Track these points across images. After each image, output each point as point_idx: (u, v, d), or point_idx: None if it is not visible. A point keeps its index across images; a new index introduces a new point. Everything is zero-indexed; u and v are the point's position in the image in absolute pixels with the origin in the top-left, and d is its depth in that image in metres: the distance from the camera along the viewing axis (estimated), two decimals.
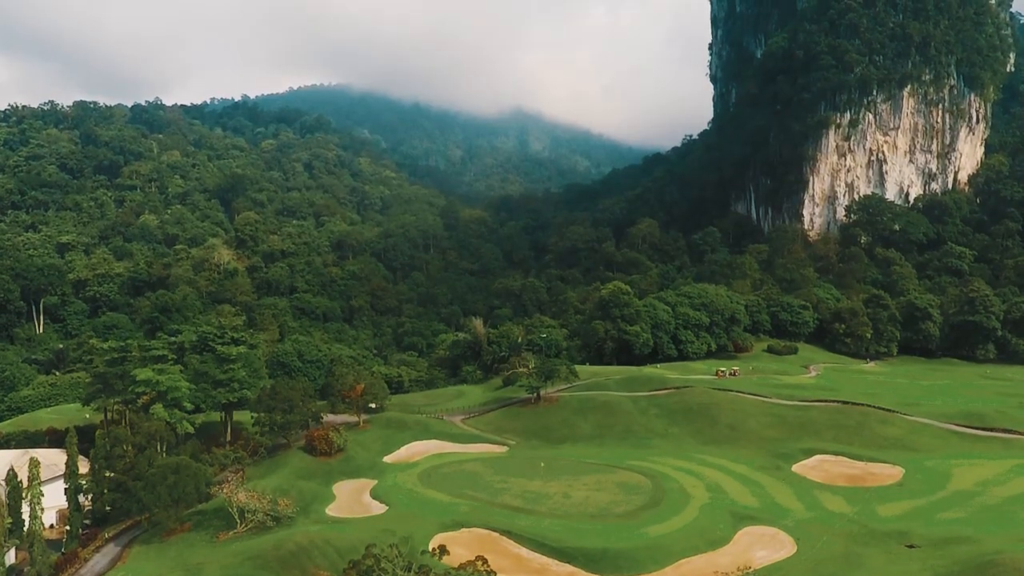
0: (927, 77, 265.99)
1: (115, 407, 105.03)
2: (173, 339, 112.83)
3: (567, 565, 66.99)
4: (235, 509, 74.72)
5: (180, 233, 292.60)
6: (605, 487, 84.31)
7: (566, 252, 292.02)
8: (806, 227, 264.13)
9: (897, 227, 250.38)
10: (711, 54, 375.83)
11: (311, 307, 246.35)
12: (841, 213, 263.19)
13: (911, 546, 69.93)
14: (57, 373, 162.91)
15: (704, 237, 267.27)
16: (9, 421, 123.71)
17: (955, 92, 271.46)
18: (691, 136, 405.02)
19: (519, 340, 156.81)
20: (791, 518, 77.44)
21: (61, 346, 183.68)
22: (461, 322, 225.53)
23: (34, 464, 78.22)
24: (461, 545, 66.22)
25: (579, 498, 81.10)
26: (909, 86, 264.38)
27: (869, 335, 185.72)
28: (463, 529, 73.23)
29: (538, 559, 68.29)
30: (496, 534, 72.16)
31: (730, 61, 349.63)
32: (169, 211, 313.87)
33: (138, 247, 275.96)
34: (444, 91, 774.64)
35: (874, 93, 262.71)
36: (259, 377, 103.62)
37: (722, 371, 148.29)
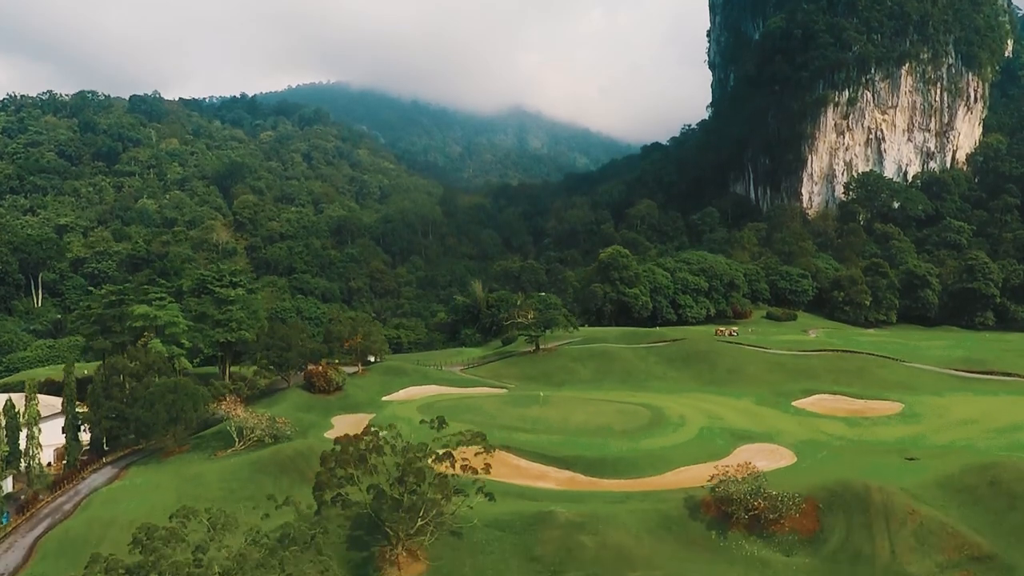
0: (925, 55, 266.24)
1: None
2: (171, 285, 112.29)
3: (566, 471, 66.86)
4: (234, 427, 74.43)
5: (178, 216, 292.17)
6: (604, 413, 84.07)
7: (565, 235, 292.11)
8: (805, 205, 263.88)
9: (896, 204, 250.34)
10: (709, 41, 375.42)
11: (310, 287, 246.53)
12: (840, 191, 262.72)
13: (911, 459, 69.79)
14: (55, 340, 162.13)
15: (703, 217, 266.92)
16: (6, 378, 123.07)
17: (953, 71, 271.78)
18: (690, 126, 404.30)
19: (518, 303, 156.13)
20: (791, 438, 77.29)
21: (59, 316, 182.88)
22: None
23: (31, 387, 77.60)
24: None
25: (578, 421, 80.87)
26: (907, 64, 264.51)
27: (868, 303, 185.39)
28: (461, 447, 72.79)
29: (537, 468, 68.14)
30: (496, 448, 71.72)
31: (728, 46, 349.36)
32: (167, 196, 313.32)
33: (136, 229, 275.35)
34: (443, 89, 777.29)
35: (872, 71, 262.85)
36: (257, 320, 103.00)
37: (721, 331, 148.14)
